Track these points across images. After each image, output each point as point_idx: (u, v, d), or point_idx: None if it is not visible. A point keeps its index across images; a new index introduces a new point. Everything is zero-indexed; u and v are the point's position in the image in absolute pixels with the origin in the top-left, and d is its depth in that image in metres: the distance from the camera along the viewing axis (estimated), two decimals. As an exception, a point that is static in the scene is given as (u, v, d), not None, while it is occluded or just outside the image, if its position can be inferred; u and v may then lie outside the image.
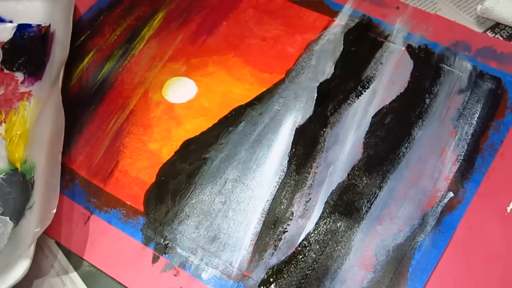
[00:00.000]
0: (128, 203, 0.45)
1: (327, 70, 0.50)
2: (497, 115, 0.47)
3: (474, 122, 0.46)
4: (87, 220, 0.44)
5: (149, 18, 0.56)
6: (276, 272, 0.41)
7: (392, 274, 0.40)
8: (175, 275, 0.41)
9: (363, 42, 0.52)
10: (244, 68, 0.52)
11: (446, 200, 0.43)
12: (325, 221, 0.43)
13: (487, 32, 0.52)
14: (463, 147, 0.45)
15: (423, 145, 0.46)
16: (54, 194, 0.42)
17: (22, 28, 0.55)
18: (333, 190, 0.44)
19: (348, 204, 0.43)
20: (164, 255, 0.42)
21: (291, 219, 0.43)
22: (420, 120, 0.47)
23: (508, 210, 0.42)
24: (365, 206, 0.43)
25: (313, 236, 0.42)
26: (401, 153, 0.45)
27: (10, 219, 0.44)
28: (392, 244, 0.41)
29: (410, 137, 0.46)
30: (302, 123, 0.48)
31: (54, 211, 0.41)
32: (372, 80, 0.49)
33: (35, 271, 0.42)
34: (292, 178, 0.45)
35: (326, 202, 0.44)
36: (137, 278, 0.41)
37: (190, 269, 0.41)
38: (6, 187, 0.46)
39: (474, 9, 0.54)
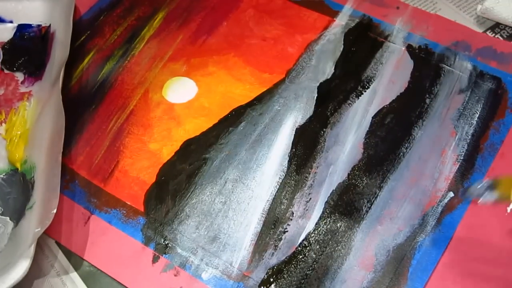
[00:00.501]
0: (128, 203, 0.45)
1: (327, 70, 0.50)
2: (497, 115, 0.47)
3: (474, 122, 0.46)
4: (87, 220, 0.44)
5: (149, 18, 0.56)
6: (276, 272, 0.41)
7: (392, 274, 0.40)
8: (175, 275, 0.41)
9: (363, 42, 0.52)
10: (244, 68, 0.51)
11: (446, 200, 0.43)
12: (325, 221, 0.43)
13: (487, 32, 0.52)
14: (463, 147, 0.45)
15: (423, 145, 0.46)
16: (54, 194, 0.42)
17: (22, 28, 0.55)
18: (333, 190, 0.44)
19: (348, 204, 0.43)
20: (164, 255, 0.42)
21: (291, 219, 0.43)
22: (420, 120, 0.47)
23: (508, 210, 0.42)
24: (365, 206, 0.43)
25: (313, 236, 0.42)
26: (401, 153, 0.45)
27: (10, 219, 0.44)
28: (392, 244, 0.41)
29: (410, 137, 0.46)
30: (302, 123, 0.48)
31: (54, 211, 0.41)
32: (372, 80, 0.49)
33: (35, 271, 0.42)
34: (292, 178, 0.45)
35: (326, 202, 0.44)
36: (137, 278, 0.41)
37: (190, 269, 0.41)
38: (6, 187, 0.46)
39: (474, 9, 0.54)
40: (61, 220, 0.44)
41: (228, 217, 0.44)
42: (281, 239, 0.42)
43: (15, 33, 0.55)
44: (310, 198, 0.44)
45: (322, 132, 0.47)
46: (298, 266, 0.41)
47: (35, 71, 0.52)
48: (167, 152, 0.47)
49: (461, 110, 0.47)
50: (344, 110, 0.48)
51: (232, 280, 0.41)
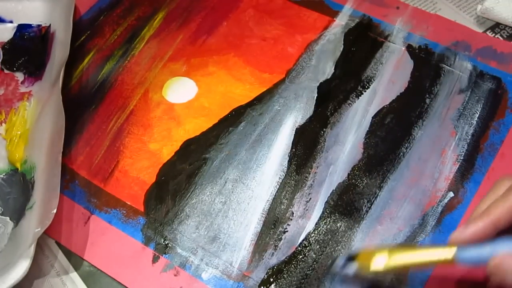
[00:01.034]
0: (128, 203, 0.45)
1: (327, 70, 0.50)
2: (497, 115, 0.47)
3: (474, 122, 0.46)
4: (87, 220, 0.44)
5: (149, 18, 0.56)
6: (276, 272, 0.41)
7: (392, 274, 0.40)
8: (175, 275, 0.41)
9: (363, 42, 0.52)
10: (244, 68, 0.52)
11: (446, 200, 0.43)
12: (325, 221, 0.43)
13: (487, 32, 0.52)
14: (463, 147, 0.45)
15: (423, 145, 0.46)
16: (54, 194, 0.42)
17: (22, 28, 0.55)
18: (333, 190, 0.44)
19: (348, 204, 0.43)
20: (164, 255, 0.42)
21: (291, 219, 0.43)
22: (420, 120, 0.47)
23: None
24: (365, 206, 0.43)
25: (313, 236, 0.42)
26: (401, 153, 0.45)
27: (10, 219, 0.44)
28: (392, 244, 0.41)
29: (410, 137, 0.46)
30: (302, 123, 0.48)
31: (54, 211, 0.41)
32: (372, 80, 0.49)
33: (35, 271, 0.42)
34: (292, 178, 0.45)
35: (326, 202, 0.44)
36: (137, 278, 0.41)
37: (190, 269, 0.41)
38: (6, 187, 0.46)
39: (474, 9, 0.54)
40: (61, 220, 0.44)
41: (228, 217, 0.44)
42: (281, 239, 0.42)
43: (15, 33, 0.55)
44: (310, 198, 0.44)
45: (322, 132, 0.47)
46: (298, 266, 0.41)
47: (35, 71, 0.52)
48: (167, 152, 0.47)
49: (461, 110, 0.47)
50: (344, 110, 0.48)
51: (232, 280, 0.41)
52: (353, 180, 0.44)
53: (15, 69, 0.53)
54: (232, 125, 0.48)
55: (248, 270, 0.41)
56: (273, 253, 0.42)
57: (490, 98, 0.48)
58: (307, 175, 0.45)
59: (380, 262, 0.35)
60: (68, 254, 0.43)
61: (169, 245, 0.43)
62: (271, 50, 0.52)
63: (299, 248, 0.42)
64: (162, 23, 0.55)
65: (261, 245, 0.42)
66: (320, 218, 0.43)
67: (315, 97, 0.49)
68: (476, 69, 0.49)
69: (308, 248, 0.42)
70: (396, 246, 0.40)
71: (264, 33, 0.54)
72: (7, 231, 0.43)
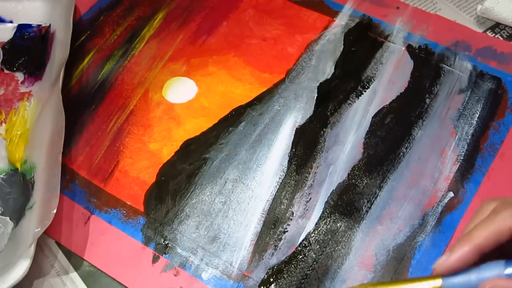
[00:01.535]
0: (128, 203, 0.45)
1: (327, 70, 0.50)
2: (497, 115, 0.47)
3: (474, 122, 0.46)
4: (87, 220, 0.44)
5: (149, 18, 0.56)
6: (276, 272, 0.41)
7: (393, 274, 0.40)
8: (175, 275, 0.41)
9: (363, 42, 0.52)
10: (244, 68, 0.52)
11: (446, 200, 0.43)
12: (325, 221, 0.43)
13: (487, 32, 0.52)
14: (463, 147, 0.45)
15: (423, 145, 0.46)
16: (55, 194, 0.42)
17: (22, 28, 0.55)
18: (333, 190, 0.44)
19: (348, 204, 0.43)
20: (164, 255, 0.42)
21: (291, 219, 0.43)
22: (420, 120, 0.47)
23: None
24: (365, 206, 0.43)
25: (313, 236, 0.42)
26: (401, 153, 0.45)
27: (10, 219, 0.44)
28: (392, 244, 0.41)
29: (410, 137, 0.46)
30: (302, 123, 0.48)
31: (55, 211, 0.41)
32: (372, 80, 0.49)
33: (35, 271, 0.42)
34: (292, 178, 0.45)
35: (326, 202, 0.44)
36: (137, 278, 0.41)
37: (190, 269, 0.41)
38: (7, 187, 0.46)
39: (474, 9, 0.54)
40: (61, 220, 0.44)
41: (228, 217, 0.44)
42: (281, 239, 0.42)
43: (15, 33, 0.55)
44: (310, 198, 0.44)
45: (322, 132, 0.47)
46: (298, 266, 0.41)
47: (35, 71, 0.52)
48: (167, 152, 0.47)
49: (461, 110, 0.47)
50: (344, 110, 0.48)
51: (232, 280, 0.41)
52: (353, 180, 0.44)
53: (15, 69, 0.53)
54: (232, 125, 0.48)
55: (248, 270, 0.41)
56: (273, 253, 0.42)
57: (490, 98, 0.48)
58: (307, 175, 0.45)
59: None
60: (68, 254, 0.43)
61: (169, 245, 0.43)
62: (271, 50, 0.52)
63: (299, 248, 0.42)
64: (162, 23, 0.55)
65: (261, 245, 0.42)
66: (320, 218, 0.43)
67: (315, 97, 0.49)
68: (476, 69, 0.49)
69: (308, 248, 0.42)
70: (379, 282, 0.38)
71: (264, 33, 0.54)
72: (7, 231, 0.43)
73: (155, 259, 0.42)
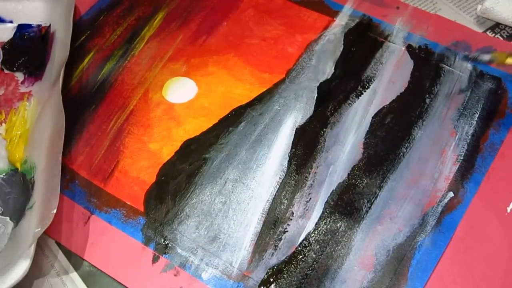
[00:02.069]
0: (128, 203, 0.45)
1: (327, 70, 0.50)
2: (497, 115, 0.47)
3: (474, 122, 0.46)
4: (87, 220, 0.44)
5: (149, 18, 0.56)
6: (276, 272, 0.41)
7: (392, 274, 0.40)
8: (175, 275, 0.41)
9: (363, 42, 0.52)
10: (244, 68, 0.52)
11: (446, 200, 0.43)
12: (325, 221, 0.43)
13: (487, 32, 0.52)
14: (463, 147, 0.45)
15: (423, 145, 0.46)
16: (55, 194, 0.42)
17: (22, 28, 0.55)
18: (333, 190, 0.44)
19: (348, 204, 0.43)
20: (164, 255, 0.42)
21: (291, 219, 0.43)
22: (420, 120, 0.47)
23: (508, 210, 0.42)
24: (365, 206, 0.43)
25: (313, 236, 0.42)
26: (401, 153, 0.45)
27: (10, 219, 0.44)
28: (392, 244, 0.41)
29: (410, 137, 0.46)
30: (302, 123, 0.48)
31: (55, 211, 0.41)
32: (372, 80, 0.49)
33: (35, 271, 0.42)
34: (292, 178, 0.45)
35: (326, 202, 0.44)
36: (137, 278, 0.41)
37: (190, 269, 0.41)
38: (7, 187, 0.46)
39: (474, 9, 0.54)
40: (61, 220, 0.44)
41: (228, 217, 0.44)
42: (281, 239, 0.42)
43: (15, 33, 0.55)
44: (310, 198, 0.44)
45: (322, 132, 0.47)
46: (298, 266, 0.41)
47: (35, 71, 0.52)
48: (167, 152, 0.47)
49: (461, 110, 0.47)
50: (344, 110, 0.48)
51: (232, 280, 0.41)
52: (353, 180, 0.44)
53: (15, 69, 0.53)
54: (232, 125, 0.48)
55: (248, 270, 0.41)
56: (273, 253, 0.42)
57: (490, 98, 0.48)
58: (307, 175, 0.45)
59: None
60: (68, 254, 0.43)
61: (169, 245, 0.43)
62: (271, 50, 0.52)
63: (299, 248, 0.42)
64: (162, 23, 0.55)
65: (261, 245, 0.42)
66: (320, 218, 0.43)
67: (315, 97, 0.49)
68: (476, 69, 0.49)
69: (308, 248, 0.42)
70: None
71: (264, 33, 0.54)
72: (7, 231, 0.43)
73: (155, 259, 0.42)
